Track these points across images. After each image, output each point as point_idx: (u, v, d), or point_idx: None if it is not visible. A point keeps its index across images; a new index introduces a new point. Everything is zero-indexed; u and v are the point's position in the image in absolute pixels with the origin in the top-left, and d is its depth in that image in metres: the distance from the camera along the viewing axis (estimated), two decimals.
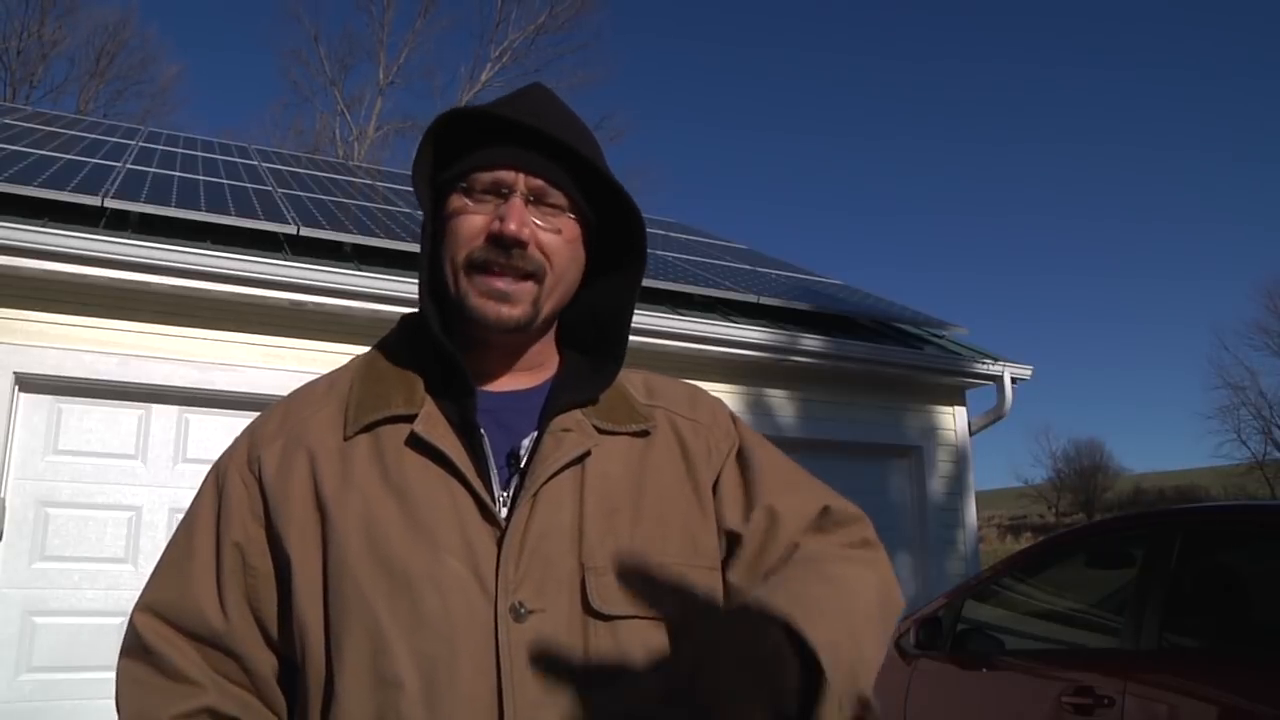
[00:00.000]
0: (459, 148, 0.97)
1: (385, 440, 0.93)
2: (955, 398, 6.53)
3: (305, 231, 5.04)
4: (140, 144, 7.36)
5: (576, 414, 0.97)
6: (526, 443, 0.94)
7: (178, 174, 6.07)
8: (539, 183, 0.94)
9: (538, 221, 0.94)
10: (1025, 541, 27.29)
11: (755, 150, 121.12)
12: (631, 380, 1.06)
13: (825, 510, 0.98)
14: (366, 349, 1.05)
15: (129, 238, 4.39)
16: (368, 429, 0.94)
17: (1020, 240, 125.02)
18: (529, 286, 0.94)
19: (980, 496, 7.34)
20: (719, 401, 1.09)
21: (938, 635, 3.98)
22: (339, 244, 5.18)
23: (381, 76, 24.06)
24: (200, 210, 4.95)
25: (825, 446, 5.98)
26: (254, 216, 5.09)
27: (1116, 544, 3.77)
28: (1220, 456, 38.00)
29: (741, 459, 1.03)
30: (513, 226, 0.91)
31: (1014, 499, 47.83)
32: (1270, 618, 2.98)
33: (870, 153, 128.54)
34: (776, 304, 6.11)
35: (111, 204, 4.73)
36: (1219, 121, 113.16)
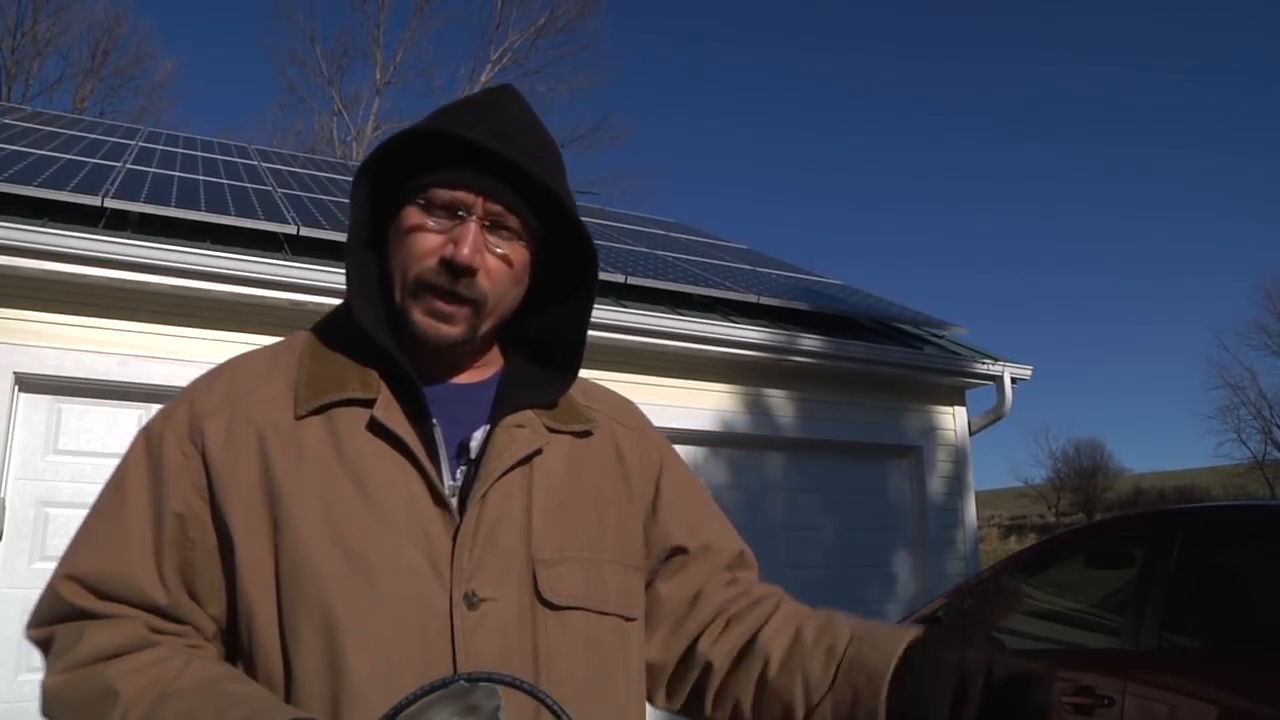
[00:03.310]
0: (419, 154, 0.97)
1: (340, 423, 0.93)
2: (955, 398, 6.53)
3: (305, 231, 5.04)
4: (140, 144, 7.36)
5: (528, 412, 1.00)
6: (479, 435, 0.97)
7: (177, 174, 6.07)
8: (497, 208, 0.95)
9: (491, 247, 0.95)
10: (1025, 541, 27.29)
11: (755, 150, 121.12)
12: None
13: (742, 553, 1.11)
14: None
15: (129, 238, 4.39)
16: (320, 410, 0.93)
17: (1020, 240, 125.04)
18: (468, 311, 0.96)
19: (980, 496, 7.34)
20: (642, 411, 1.16)
21: None
22: (339, 244, 5.18)
23: (379, 76, 24.07)
24: (200, 210, 4.95)
25: (825, 446, 5.98)
26: (254, 216, 5.09)
27: (1116, 544, 3.77)
28: (1220, 456, 38.00)
29: (673, 476, 1.10)
30: (465, 253, 0.92)
31: (1014, 499, 47.78)
32: (1270, 618, 2.98)
33: (870, 153, 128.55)
34: (776, 304, 6.11)
35: (111, 204, 4.73)
36: (1219, 121, 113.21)
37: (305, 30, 25.72)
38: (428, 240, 0.94)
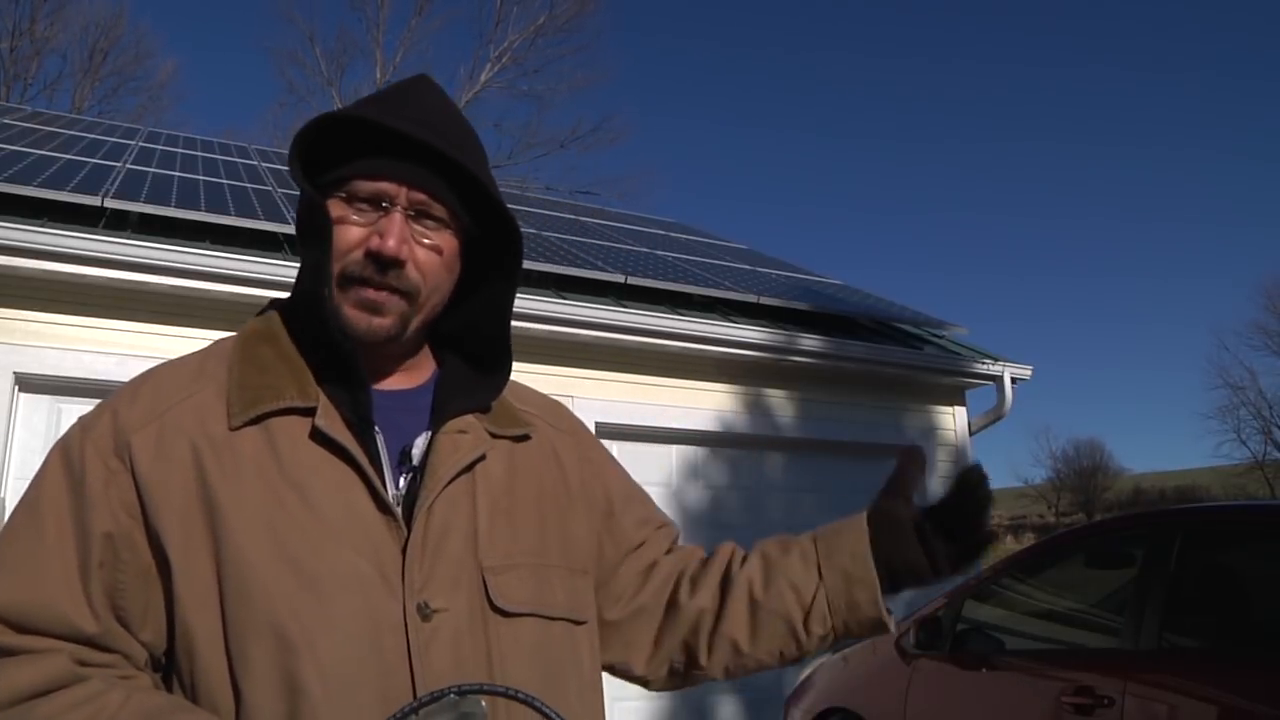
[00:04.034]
0: (340, 144, 0.94)
1: (278, 433, 0.89)
2: (955, 398, 6.53)
3: None
4: (140, 144, 7.36)
5: (469, 417, 0.98)
6: (420, 442, 0.95)
7: (177, 174, 6.07)
8: (421, 197, 0.92)
9: (418, 237, 0.93)
10: (1025, 541, 27.27)
11: (755, 150, 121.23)
12: None
13: (675, 528, 1.20)
14: None
15: (128, 238, 4.39)
16: (257, 420, 0.90)
17: (1020, 240, 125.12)
18: (400, 301, 0.93)
19: None
20: (572, 412, 1.18)
21: (938, 635, 3.97)
22: None
23: (379, 76, 24.03)
24: (200, 210, 4.94)
25: (825, 446, 5.97)
26: (254, 216, 5.09)
27: (1116, 544, 3.76)
28: (1220, 456, 38.04)
29: (616, 475, 1.13)
30: (391, 244, 0.90)
31: (1014, 499, 47.77)
32: (1270, 618, 2.98)
33: (870, 152, 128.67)
34: (776, 304, 6.11)
35: (111, 204, 4.72)
36: (1219, 121, 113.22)
37: (305, 30, 25.68)
38: (351, 233, 0.92)
